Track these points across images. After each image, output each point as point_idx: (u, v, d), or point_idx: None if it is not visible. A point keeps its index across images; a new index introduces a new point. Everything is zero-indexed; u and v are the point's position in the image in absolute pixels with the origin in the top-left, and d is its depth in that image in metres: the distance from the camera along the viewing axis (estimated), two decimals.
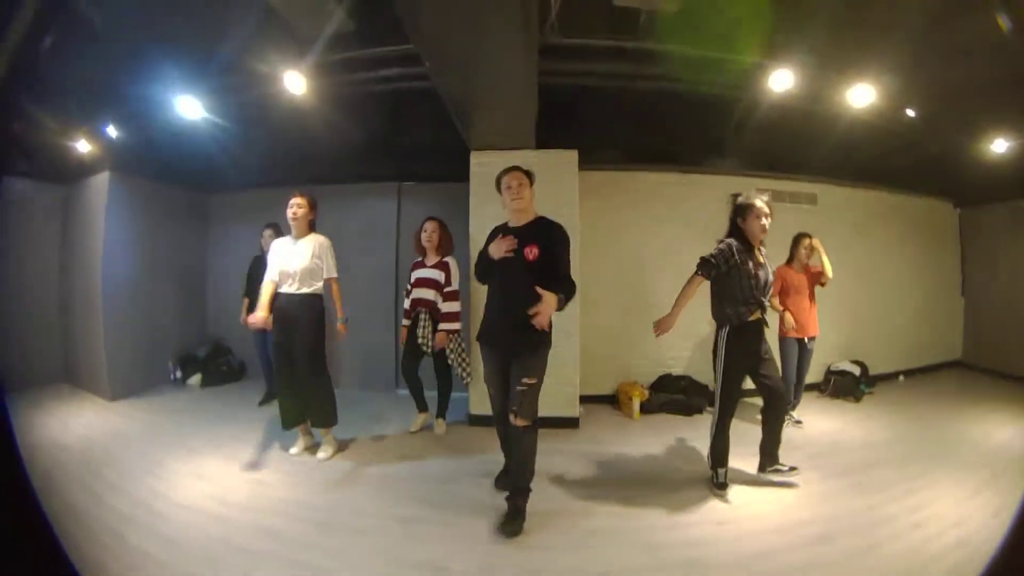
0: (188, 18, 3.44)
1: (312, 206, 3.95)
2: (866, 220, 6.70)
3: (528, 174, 3.15)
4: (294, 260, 3.83)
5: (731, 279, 3.28)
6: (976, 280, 7.40)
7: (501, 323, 3.06)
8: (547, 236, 3.02)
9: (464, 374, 4.60)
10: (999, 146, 5.20)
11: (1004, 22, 2.57)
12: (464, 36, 2.74)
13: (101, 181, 5.44)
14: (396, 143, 5.57)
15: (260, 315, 3.74)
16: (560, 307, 2.80)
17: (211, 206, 6.84)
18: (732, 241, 3.32)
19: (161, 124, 4.68)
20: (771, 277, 3.43)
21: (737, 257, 3.25)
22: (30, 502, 1.41)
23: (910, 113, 4.65)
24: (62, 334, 5.85)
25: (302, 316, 3.83)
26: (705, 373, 5.40)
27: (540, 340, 2.97)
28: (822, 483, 3.56)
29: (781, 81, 3.96)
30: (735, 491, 3.45)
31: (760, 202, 3.30)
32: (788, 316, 4.75)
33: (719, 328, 3.40)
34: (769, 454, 3.54)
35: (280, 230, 5.15)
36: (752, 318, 3.31)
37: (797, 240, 4.89)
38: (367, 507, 3.21)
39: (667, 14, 3.20)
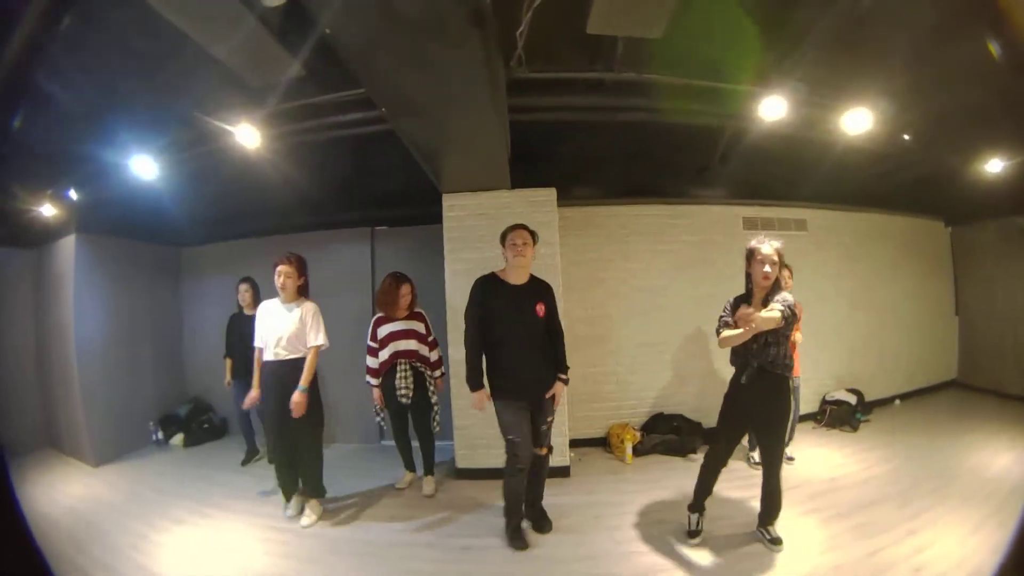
0: (141, 78, 3.36)
1: (300, 270, 3.86)
2: (857, 243, 6.66)
3: (533, 234, 3.46)
4: (284, 326, 3.77)
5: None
6: (970, 298, 7.36)
7: (527, 378, 3.36)
8: (547, 294, 3.50)
9: (437, 426, 4.48)
10: (993, 166, 5.18)
11: (995, 49, 2.59)
12: (420, 79, 2.62)
13: (68, 244, 5.41)
14: (366, 188, 5.50)
15: (254, 394, 3.76)
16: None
17: (182, 260, 6.73)
18: (729, 300, 3.29)
19: (120, 184, 4.61)
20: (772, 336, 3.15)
21: (732, 314, 3.17)
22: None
23: (905, 137, 4.63)
24: (42, 400, 5.73)
25: (293, 382, 3.71)
26: (698, 410, 5.35)
27: (553, 381, 3.47)
28: (823, 528, 3.48)
29: (773, 108, 3.84)
30: (727, 542, 3.35)
31: (765, 248, 3.15)
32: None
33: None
34: (764, 516, 3.37)
35: (255, 284, 5.11)
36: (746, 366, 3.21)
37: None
38: None
39: (648, 42, 2.99)
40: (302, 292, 3.90)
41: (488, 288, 3.41)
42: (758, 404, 3.20)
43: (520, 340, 3.34)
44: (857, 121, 4.07)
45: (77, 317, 5.27)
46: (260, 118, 3.81)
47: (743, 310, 2.97)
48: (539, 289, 3.48)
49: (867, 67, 3.47)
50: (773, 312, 2.93)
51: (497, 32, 2.40)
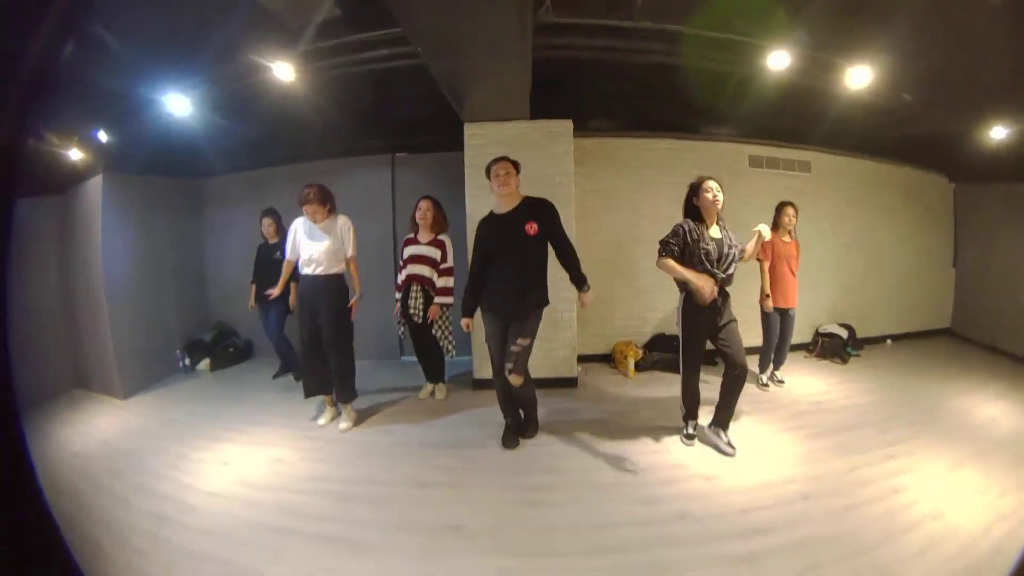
0: (175, 15, 3.46)
1: (324, 201, 4.03)
2: (859, 189, 6.81)
3: (515, 164, 3.59)
4: (318, 243, 4.00)
5: (685, 254, 3.54)
6: (968, 253, 7.43)
7: (504, 292, 3.55)
8: (540, 212, 3.56)
9: (450, 346, 4.82)
10: (997, 132, 5.26)
11: None
12: (457, 22, 2.82)
13: (95, 185, 5.45)
14: (388, 117, 5.63)
15: (276, 290, 4.02)
16: (579, 271, 3.61)
17: (204, 191, 6.85)
18: (685, 221, 3.63)
19: (148, 122, 4.74)
20: (728, 250, 3.58)
21: (688, 236, 3.54)
22: (46, 522, 1.37)
23: (906, 97, 4.74)
24: (69, 341, 5.80)
25: (328, 297, 4.01)
26: None
27: (535, 307, 3.60)
28: (805, 443, 3.79)
29: (778, 61, 4.05)
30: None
31: (709, 181, 3.57)
32: (768, 301, 4.86)
33: (681, 296, 3.71)
34: (717, 416, 3.76)
35: (278, 216, 5.33)
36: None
37: (780, 208, 4.95)
38: (383, 477, 3.45)
39: None
40: (331, 211, 4.12)
41: (483, 227, 3.69)
42: (720, 316, 3.60)
43: (502, 263, 3.57)
44: (859, 77, 4.25)
45: (104, 255, 5.39)
46: (294, 55, 3.92)
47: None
48: (530, 209, 3.57)
49: (872, 26, 3.57)
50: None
51: None
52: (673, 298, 5.80)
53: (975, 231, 7.28)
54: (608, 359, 5.99)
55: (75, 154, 5.02)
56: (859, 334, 6.39)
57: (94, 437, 4.42)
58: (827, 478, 3.29)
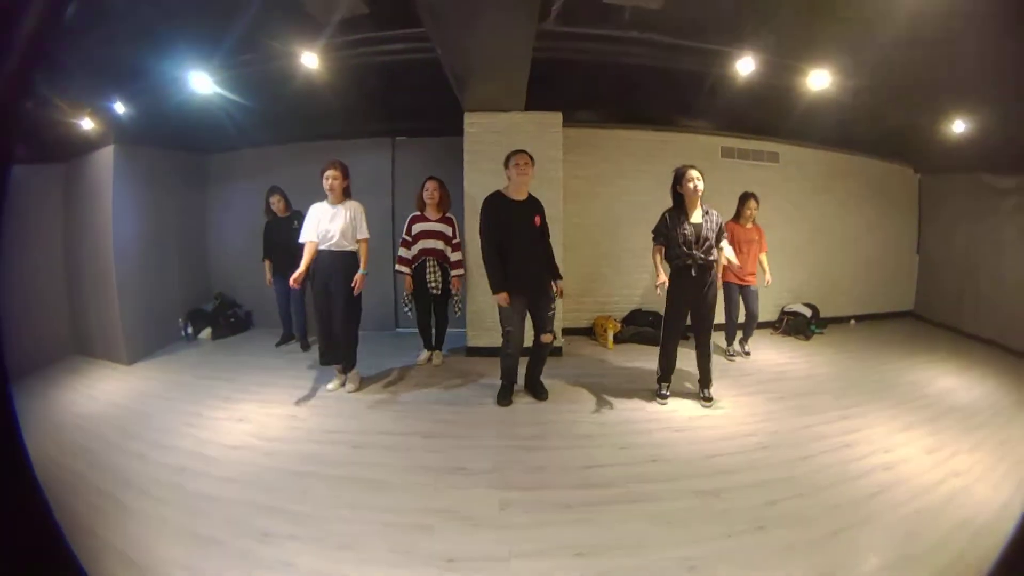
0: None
1: (345, 174, 4.36)
2: (826, 179, 7.17)
3: (532, 159, 4.10)
4: (334, 222, 4.28)
5: (669, 239, 4.06)
6: (932, 240, 7.72)
7: (526, 275, 4.05)
8: (541, 208, 4.20)
9: (458, 308, 5.28)
10: (957, 126, 5.56)
11: None
12: (477, 31, 3.25)
13: (106, 154, 5.50)
14: (392, 102, 5.85)
15: (300, 272, 4.17)
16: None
17: (208, 166, 7.00)
18: (666, 212, 4.14)
19: (173, 99, 4.86)
20: (706, 233, 4.03)
21: (669, 222, 4.07)
22: (34, 498, 1.32)
23: (866, 95, 5.10)
24: (69, 307, 5.82)
25: (340, 271, 4.30)
26: None
27: (549, 283, 4.19)
28: (766, 404, 4.23)
29: (746, 66, 4.48)
30: (690, 406, 4.22)
31: (692, 170, 4.01)
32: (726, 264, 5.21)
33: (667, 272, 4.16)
34: (700, 381, 4.34)
35: (285, 194, 5.58)
36: (686, 264, 4.04)
37: (743, 200, 5.41)
38: (392, 428, 3.83)
39: (650, 10, 3.74)
40: (346, 193, 4.41)
41: (497, 204, 4.07)
42: (701, 291, 4.10)
43: (522, 246, 4.04)
44: (819, 79, 4.67)
45: (115, 224, 5.48)
46: (317, 46, 4.19)
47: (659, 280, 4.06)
48: (536, 204, 4.16)
49: (831, 32, 3.97)
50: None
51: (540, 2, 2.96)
52: (648, 278, 6.25)
53: (939, 219, 7.59)
54: (589, 332, 6.43)
55: (86, 123, 5.10)
56: (823, 314, 6.80)
57: (102, 400, 4.55)
58: (785, 432, 3.74)
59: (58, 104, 4.73)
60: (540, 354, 4.35)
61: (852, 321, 7.43)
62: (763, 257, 5.48)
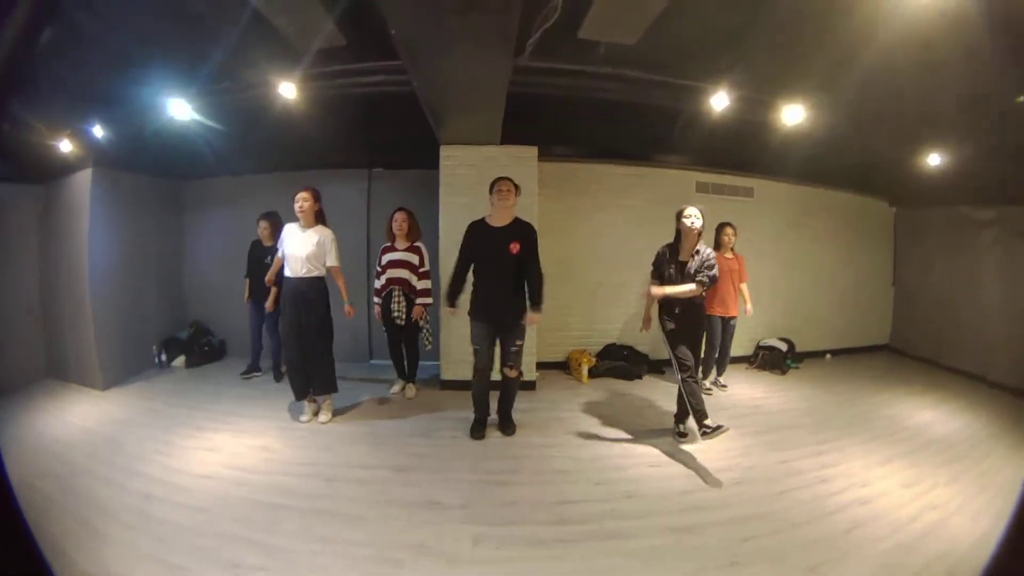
0: (179, 24, 3.62)
1: (316, 198, 4.35)
2: (800, 214, 7.26)
3: (516, 187, 4.07)
4: (301, 247, 4.26)
5: (659, 275, 4.09)
6: (908, 273, 7.81)
7: (493, 303, 4.02)
8: (525, 235, 4.02)
9: (428, 341, 5.27)
10: (933, 159, 5.57)
11: None
12: (452, 65, 3.27)
13: (84, 177, 5.50)
14: (368, 134, 5.94)
15: (271, 299, 4.29)
16: (540, 296, 4.02)
17: (185, 192, 6.97)
18: (660, 248, 4.16)
19: (150, 124, 4.86)
20: (696, 266, 3.94)
21: (661, 260, 4.11)
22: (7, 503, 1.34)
23: (841, 129, 5.16)
24: (44, 330, 5.84)
25: (310, 296, 4.29)
26: (645, 343, 6.11)
27: (521, 314, 4.05)
28: (741, 439, 4.21)
29: (719, 101, 4.53)
30: (666, 442, 4.18)
31: (688, 208, 4.02)
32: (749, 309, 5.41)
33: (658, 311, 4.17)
34: (675, 416, 4.31)
35: (276, 219, 5.50)
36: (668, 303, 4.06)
37: (719, 229, 5.46)
38: (365, 461, 3.77)
39: (624, 46, 3.78)
40: (319, 219, 4.41)
41: (474, 230, 4.09)
42: (690, 327, 4.06)
43: (490, 272, 4.02)
44: (793, 114, 4.71)
45: (91, 247, 5.44)
46: (295, 76, 4.22)
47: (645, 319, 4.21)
48: (518, 230, 4.04)
49: (804, 67, 4.05)
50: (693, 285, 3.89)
51: (514, 38, 2.97)
52: (624, 312, 6.48)
53: (914, 252, 7.69)
54: (564, 366, 6.39)
55: (65, 146, 5.07)
56: (799, 348, 6.84)
57: (75, 424, 4.52)
58: (760, 468, 3.74)
59: (36, 126, 4.73)
60: (506, 389, 4.33)
61: (828, 356, 7.44)
62: (744, 287, 5.55)
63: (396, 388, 5.39)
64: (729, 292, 5.44)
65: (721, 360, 5.63)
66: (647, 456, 3.94)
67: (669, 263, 4.04)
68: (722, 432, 3.69)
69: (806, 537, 2.87)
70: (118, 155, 5.49)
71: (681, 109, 4.93)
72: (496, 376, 4.24)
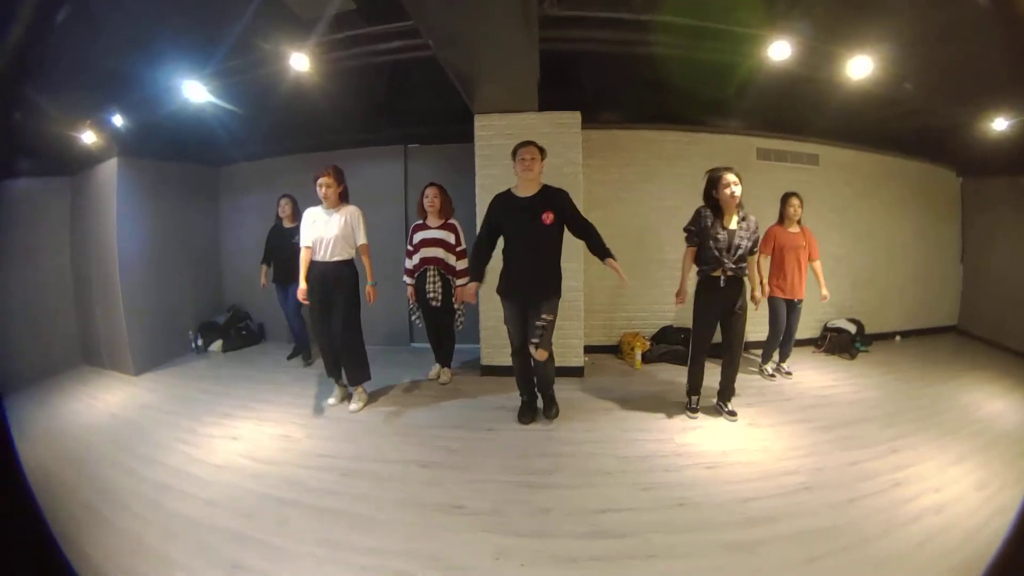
0: (189, 2, 3.53)
1: (339, 179, 4.12)
2: (867, 182, 6.75)
3: (541, 150, 3.67)
4: (328, 229, 4.06)
5: (702, 241, 3.82)
6: (975, 248, 7.31)
7: (523, 277, 3.69)
8: (556, 201, 3.66)
9: (459, 322, 4.96)
10: (999, 124, 5.22)
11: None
12: (466, 15, 2.90)
13: (109, 168, 5.55)
14: (400, 108, 5.73)
15: (303, 288, 4.02)
16: (604, 246, 3.71)
17: (220, 178, 7.00)
18: (704, 208, 3.86)
19: (168, 109, 4.79)
20: (740, 242, 3.77)
21: (705, 222, 3.81)
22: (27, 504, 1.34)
23: (907, 86, 4.68)
24: (78, 318, 5.96)
25: (338, 282, 4.11)
26: None
27: (554, 289, 3.74)
28: (809, 435, 3.78)
29: (779, 52, 4.03)
30: (726, 438, 3.77)
31: (728, 174, 3.73)
32: (759, 290, 4.57)
33: (697, 280, 3.99)
34: (720, 394, 4.14)
35: (295, 199, 5.40)
36: (714, 274, 3.83)
37: (785, 200, 5.01)
38: (388, 455, 3.53)
39: None
40: (343, 198, 4.19)
41: (499, 202, 3.77)
42: (731, 303, 3.87)
43: (519, 246, 3.69)
44: (860, 67, 4.22)
45: (120, 236, 5.49)
46: (308, 46, 3.98)
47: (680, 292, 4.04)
48: (549, 198, 3.68)
49: (869, 14, 3.59)
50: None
51: None
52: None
53: (981, 225, 7.21)
54: (615, 350, 6.00)
55: (89, 137, 5.09)
56: (868, 330, 6.35)
57: (103, 411, 4.54)
58: (830, 470, 3.29)
59: (56, 115, 4.72)
60: (539, 370, 3.94)
61: (897, 338, 6.96)
62: (816, 265, 5.07)
63: (433, 372, 5.16)
64: (795, 271, 4.95)
65: (785, 344, 5.15)
66: (705, 456, 3.51)
67: (714, 229, 3.76)
68: (695, 415, 4.01)
69: (877, 554, 2.48)
70: (142, 144, 5.50)
71: (737, 63, 4.42)
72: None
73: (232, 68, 4.39)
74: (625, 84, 5.20)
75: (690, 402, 4.14)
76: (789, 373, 5.17)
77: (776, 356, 5.20)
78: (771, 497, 2.96)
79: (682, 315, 5.88)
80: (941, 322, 7.39)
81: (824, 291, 5.01)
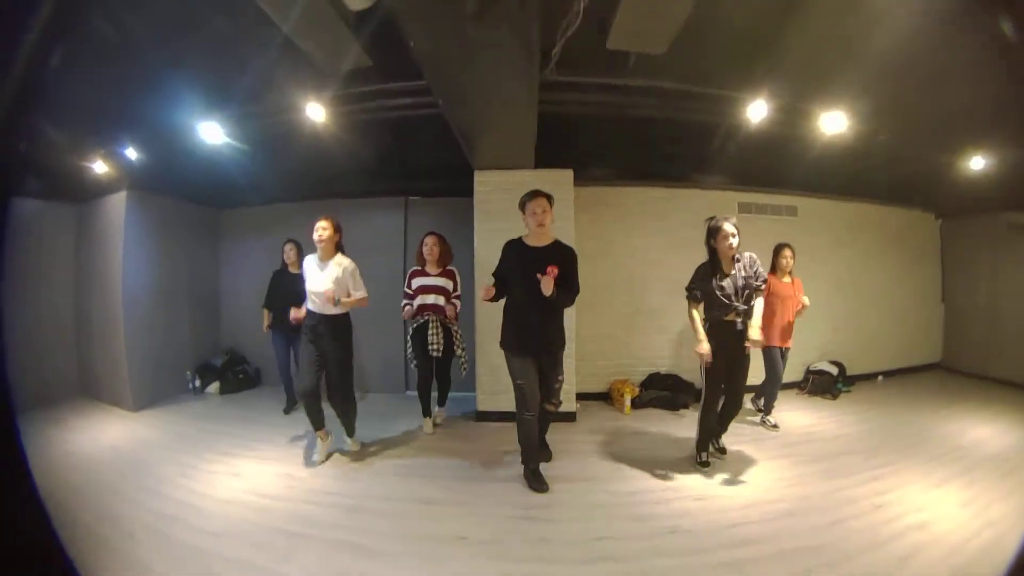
0: (209, 46, 3.60)
1: (336, 228, 4.13)
2: (846, 230, 7.04)
3: (550, 199, 3.68)
4: (321, 282, 4.03)
5: (705, 294, 3.85)
6: (957, 287, 7.64)
7: (532, 333, 3.62)
8: (566, 258, 3.63)
9: (464, 367, 4.98)
10: (976, 163, 5.43)
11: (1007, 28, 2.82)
12: (476, 79, 3.19)
13: (119, 200, 5.66)
14: (404, 161, 5.96)
15: (301, 313, 4.08)
16: (555, 297, 3.45)
17: (222, 220, 7.12)
18: (700, 266, 3.93)
19: (182, 147, 4.89)
20: (745, 282, 3.79)
21: (705, 278, 3.86)
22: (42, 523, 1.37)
23: (880, 138, 4.97)
24: (77, 349, 6.00)
25: (330, 336, 4.07)
26: (691, 371, 5.87)
27: (562, 344, 3.77)
28: (793, 468, 3.97)
29: (757, 111, 4.33)
30: (712, 473, 3.94)
31: (726, 225, 3.79)
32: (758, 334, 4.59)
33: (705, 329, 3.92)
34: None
35: (300, 245, 5.49)
36: (727, 319, 3.83)
37: (777, 251, 5.13)
38: (391, 493, 3.63)
39: (654, 56, 3.59)
40: (340, 249, 4.19)
41: (510, 249, 3.74)
42: (741, 345, 3.83)
43: (527, 299, 3.55)
44: (833, 122, 4.53)
45: (125, 269, 5.56)
46: (325, 98, 4.21)
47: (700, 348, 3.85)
48: (558, 253, 3.63)
49: (843, 73, 3.87)
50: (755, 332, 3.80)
51: (538, 48, 2.91)
52: (668, 340, 6.25)
53: (961, 265, 7.53)
54: (605, 397, 6.16)
55: (99, 167, 5.21)
56: (850, 371, 6.59)
57: (103, 443, 4.62)
58: (813, 498, 3.49)
59: (69, 146, 4.84)
60: (544, 420, 3.94)
61: (880, 377, 7.17)
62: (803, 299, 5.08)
63: (427, 427, 5.05)
64: (785, 321, 5.05)
65: (770, 395, 5.20)
66: (694, 488, 3.69)
67: (716, 280, 3.81)
68: (705, 468, 3.96)
69: (862, 568, 2.68)
70: (152, 178, 5.61)
71: (718, 123, 4.73)
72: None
73: (248, 113, 4.57)
74: (615, 144, 5.48)
75: (699, 456, 4.08)
76: (775, 426, 5.11)
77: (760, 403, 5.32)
78: (757, 522, 3.15)
79: (673, 362, 6.23)
80: (925, 360, 7.71)
81: (805, 298, 5.04)
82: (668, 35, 3.26)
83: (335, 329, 4.10)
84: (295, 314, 4.11)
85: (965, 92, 3.97)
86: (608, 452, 4.43)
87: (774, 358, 5.06)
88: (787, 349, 5.14)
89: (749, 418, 5.23)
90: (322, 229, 4.06)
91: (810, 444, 4.56)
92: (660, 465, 4.08)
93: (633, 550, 2.86)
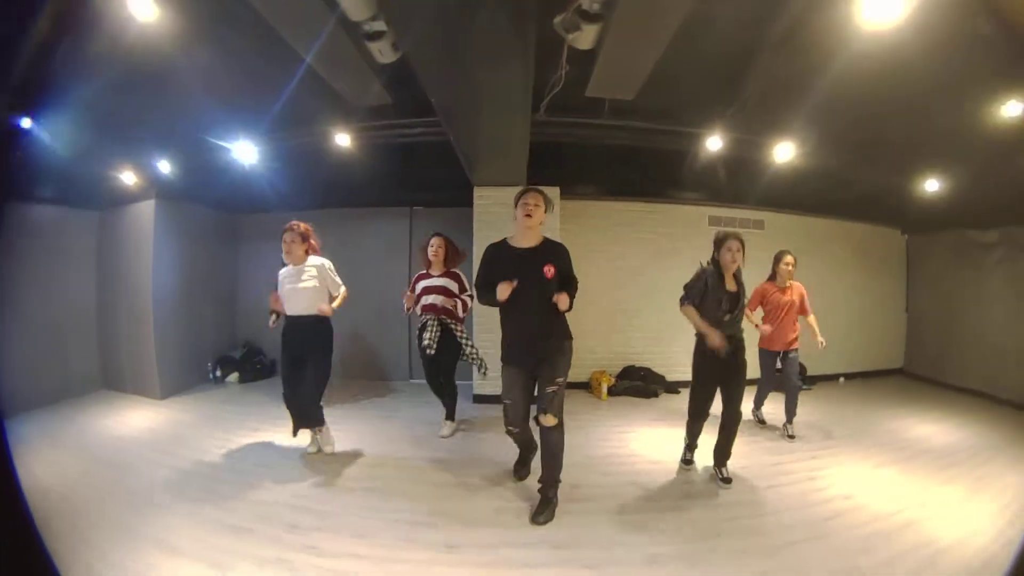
0: (245, 78, 4.17)
1: (304, 238, 4.12)
2: (811, 243, 7.37)
3: (546, 199, 3.38)
4: (298, 287, 4.02)
5: (704, 300, 3.73)
6: (921, 298, 8.02)
7: (528, 337, 3.28)
8: (557, 256, 3.33)
9: (484, 371, 4.84)
10: (931, 185, 5.88)
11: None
12: (483, 122, 4.00)
13: (147, 207, 6.06)
14: (411, 177, 6.64)
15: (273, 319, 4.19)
16: (570, 302, 3.25)
17: (240, 225, 7.66)
18: (707, 268, 3.80)
19: (214, 163, 5.51)
20: (739, 302, 3.78)
21: (707, 282, 3.72)
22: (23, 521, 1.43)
23: (833, 162, 5.62)
24: (100, 344, 6.40)
25: (309, 338, 4.06)
26: (662, 365, 6.71)
27: (563, 345, 3.36)
28: (739, 447, 4.03)
29: (714, 144, 5.10)
30: (661, 445, 4.61)
31: (734, 241, 3.74)
32: (764, 328, 4.86)
33: (695, 342, 3.87)
34: (717, 457, 3.92)
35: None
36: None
37: (778, 257, 5.07)
38: (377, 506, 3.49)
39: (625, 101, 4.41)
40: (308, 254, 4.14)
41: (497, 252, 3.43)
42: (729, 366, 3.78)
43: (518, 304, 3.23)
44: (783, 152, 5.23)
45: (155, 271, 6.03)
46: (349, 127, 4.94)
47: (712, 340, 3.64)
48: (549, 252, 3.33)
49: (796, 109, 4.52)
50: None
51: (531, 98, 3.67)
52: (640, 336, 6.96)
53: (926, 277, 7.92)
54: (586, 386, 6.85)
55: (129, 177, 5.67)
56: (811, 372, 7.08)
57: (136, 426, 5.02)
58: (753, 467, 4.07)
59: (98, 156, 5.28)
60: (547, 446, 3.31)
61: (841, 379, 7.64)
62: (810, 319, 5.08)
63: (445, 431, 4.91)
64: (786, 326, 5.01)
65: (791, 398, 5.02)
66: (649, 455, 4.41)
67: (717, 289, 3.71)
68: (691, 468, 4.11)
69: (786, 521, 3.20)
70: (180, 190, 6.12)
71: (683, 151, 5.48)
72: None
73: (280, 135, 5.19)
74: (596, 166, 6.23)
75: (686, 455, 4.14)
76: (792, 437, 4.88)
77: (784, 415, 5.10)
78: (699, 483, 3.84)
79: (645, 356, 6.93)
80: (887, 365, 8.18)
81: (820, 339, 4.99)
82: (636, 85, 4.02)
83: (315, 333, 4.09)
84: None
85: (905, 126, 4.61)
86: (585, 430, 5.09)
87: (766, 363, 5.10)
88: (794, 351, 5.03)
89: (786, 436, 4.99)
90: (289, 242, 4.09)
91: (762, 430, 5.12)
92: (627, 439, 4.85)
93: (601, 495, 3.57)
